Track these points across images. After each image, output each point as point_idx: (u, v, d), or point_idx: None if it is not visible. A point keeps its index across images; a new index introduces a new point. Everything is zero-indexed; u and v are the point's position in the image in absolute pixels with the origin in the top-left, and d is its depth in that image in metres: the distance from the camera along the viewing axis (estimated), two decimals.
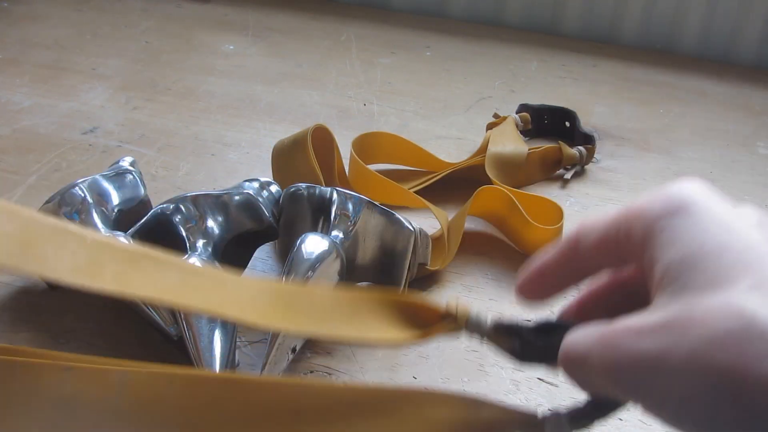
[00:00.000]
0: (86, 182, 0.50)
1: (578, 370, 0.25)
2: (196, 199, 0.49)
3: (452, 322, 0.29)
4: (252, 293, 0.28)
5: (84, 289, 0.26)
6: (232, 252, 0.50)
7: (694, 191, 0.25)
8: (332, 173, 0.60)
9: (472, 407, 0.29)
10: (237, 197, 0.50)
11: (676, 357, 0.22)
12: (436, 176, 0.64)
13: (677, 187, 0.26)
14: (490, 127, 0.70)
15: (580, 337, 0.25)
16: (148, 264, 0.27)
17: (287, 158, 0.58)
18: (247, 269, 0.52)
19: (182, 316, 0.44)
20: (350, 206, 0.50)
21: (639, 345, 0.23)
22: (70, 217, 0.49)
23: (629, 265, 0.27)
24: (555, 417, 0.28)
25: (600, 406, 0.28)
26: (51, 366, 0.30)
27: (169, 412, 0.29)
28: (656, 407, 0.23)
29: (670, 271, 0.24)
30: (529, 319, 0.28)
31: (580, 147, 0.68)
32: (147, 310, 0.45)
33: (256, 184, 0.54)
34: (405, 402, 0.28)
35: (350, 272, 0.50)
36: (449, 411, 0.28)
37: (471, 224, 0.59)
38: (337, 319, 0.29)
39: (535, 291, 0.29)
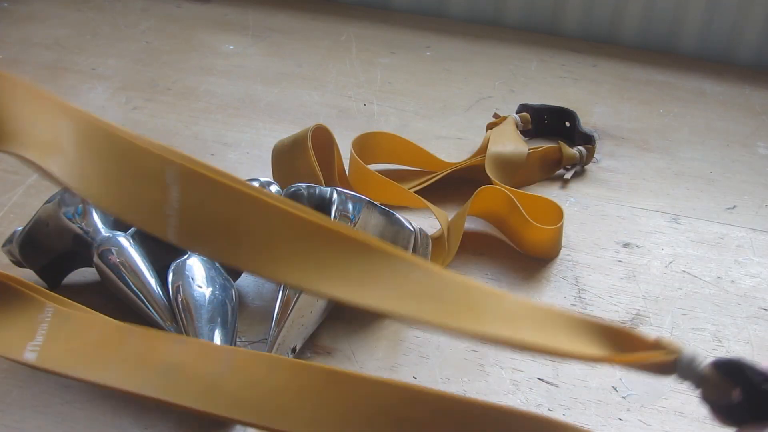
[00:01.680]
0: None
1: None
2: None
3: (661, 354, 0.27)
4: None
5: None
6: None
7: None
8: (332, 173, 0.60)
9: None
10: None
11: None
12: (436, 176, 0.64)
13: None
14: (490, 127, 0.70)
15: None
16: None
17: (287, 158, 0.58)
18: None
19: (182, 315, 0.44)
20: (350, 206, 0.50)
21: None
22: (70, 217, 0.49)
23: None
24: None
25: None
26: (165, 336, 0.35)
27: (269, 395, 0.31)
28: None
29: None
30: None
31: (580, 147, 0.68)
32: (146, 308, 0.45)
33: (256, 184, 0.54)
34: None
35: None
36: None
37: (471, 224, 0.59)
38: (530, 327, 0.27)
39: None
